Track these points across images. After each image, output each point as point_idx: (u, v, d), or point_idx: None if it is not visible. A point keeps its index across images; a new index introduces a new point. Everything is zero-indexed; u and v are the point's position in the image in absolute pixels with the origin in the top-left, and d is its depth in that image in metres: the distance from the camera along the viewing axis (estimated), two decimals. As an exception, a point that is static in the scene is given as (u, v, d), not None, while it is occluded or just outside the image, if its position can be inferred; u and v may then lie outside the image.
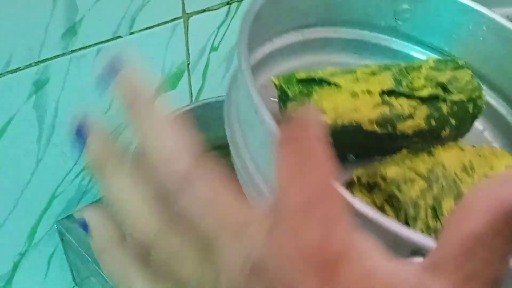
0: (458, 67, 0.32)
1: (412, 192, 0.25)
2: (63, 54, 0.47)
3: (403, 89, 0.30)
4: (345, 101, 0.29)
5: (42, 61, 0.46)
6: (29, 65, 0.45)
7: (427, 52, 0.36)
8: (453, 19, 0.34)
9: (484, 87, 0.33)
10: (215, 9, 0.59)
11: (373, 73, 0.31)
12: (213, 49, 0.62)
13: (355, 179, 0.28)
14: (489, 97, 0.34)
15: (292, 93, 0.29)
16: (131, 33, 0.52)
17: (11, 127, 0.46)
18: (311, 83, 0.29)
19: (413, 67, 0.32)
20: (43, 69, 0.46)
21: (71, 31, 0.47)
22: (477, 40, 0.33)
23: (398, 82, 0.30)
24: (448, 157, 0.27)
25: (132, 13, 0.51)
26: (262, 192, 0.24)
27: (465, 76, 0.31)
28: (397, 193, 0.25)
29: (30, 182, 0.50)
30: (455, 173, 0.27)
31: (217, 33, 0.61)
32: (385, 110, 0.29)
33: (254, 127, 0.25)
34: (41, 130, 0.49)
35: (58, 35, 0.46)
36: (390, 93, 0.30)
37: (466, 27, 0.33)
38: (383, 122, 0.29)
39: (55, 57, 0.46)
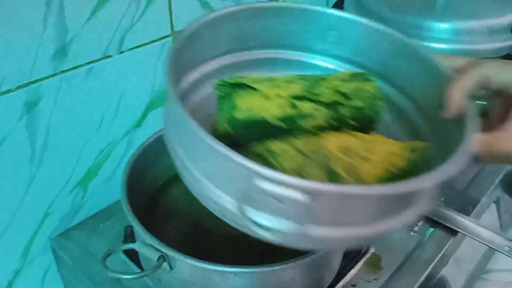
0: (366, 79, 0.38)
1: (286, 163, 0.31)
2: (54, 75, 0.48)
3: (309, 95, 0.37)
4: (258, 102, 0.36)
5: (33, 82, 0.46)
6: (20, 86, 0.46)
7: (355, 68, 0.42)
8: (371, 41, 0.40)
9: (395, 91, 0.40)
10: (203, 26, 0.60)
11: (290, 81, 0.38)
12: (203, 65, 0.63)
13: (249, 149, 0.33)
14: (398, 99, 0.40)
15: (221, 93, 0.37)
16: (121, 52, 0.53)
17: (3, 147, 0.46)
18: (238, 86, 0.37)
19: (324, 78, 0.38)
20: (35, 90, 0.47)
21: (61, 52, 0.47)
22: (390, 56, 0.39)
23: (307, 89, 0.37)
24: (331, 139, 0.34)
25: (122, 32, 0.52)
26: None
27: (369, 87, 0.38)
28: (274, 163, 0.31)
29: (23, 200, 0.51)
30: (330, 151, 0.33)
31: (206, 49, 0.62)
32: (290, 111, 0.36)
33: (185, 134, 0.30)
34: (34, 149, 0.49)
35: (48, 56, 0.47)
36: (298, 97, 0.37)
37: (382, 47, 0.39)
38: (285, 118, 0.36)
39: (46, 77, 0.47)
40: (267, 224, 0.28)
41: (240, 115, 0.36)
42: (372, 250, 0.50)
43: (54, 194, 0.54)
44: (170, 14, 0.56)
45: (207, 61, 0.39)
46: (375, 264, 0.49)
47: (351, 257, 0.49)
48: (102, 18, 0.49)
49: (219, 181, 0.29)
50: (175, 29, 0.57)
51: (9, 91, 0.45)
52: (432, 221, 0.54)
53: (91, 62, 0.50)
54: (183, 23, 0.58)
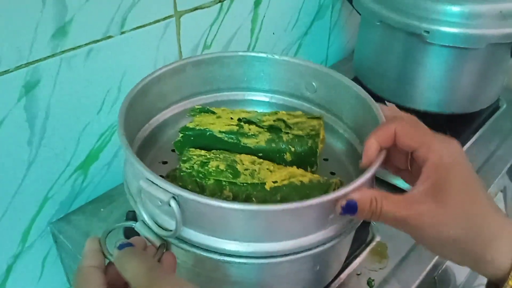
0: (315, 118, 0.45)
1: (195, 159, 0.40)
2: (53, 55, 0.46)
3: (255, 120, 0.44)
4: (210, 119, 0.45)
5: (32, 63, 0.45)
6: (19, 67, 0.44)
7: (326, 113, 0.48)
8: (339, 94, 0.46)
9: (343, 125, 0.47)
10: (207, 7, 0.59)
11: (246, 111, 0.47)
12: (206, 47, 0.62)
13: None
14: (351, 138, 0.46)
15: (190, 114, 0.46)
16: (122, 33, 0.51)
17: (1, 130, 0.45)
18: (203, 111, 0.46)
19: (276, 112, 0.46)
20: (33, 71, 0.45)
21: (61, 31, 0.46)
22: (351, 106, 0.45)
23: (256, 116, 0.45)
24: (248, 156, 0.41)
25: (123, 12, 0.50)
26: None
27: (314, 123, 0.44)
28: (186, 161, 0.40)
29: (22, 184, 0.50)
30: (240, 159, 0.40)
31: (209, 31, 0.61)
32: (234, 128, 0.43)
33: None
34: (32, 132, 0.48)
35: (48, 36, 0.45)
36: (247, 121, 0.44)
37: (347, 100, 0.45)
38: (229, 133, 0.43)
39: (45, 58, 0.46)
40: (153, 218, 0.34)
41: (190, 125, 0.44)
42: (378, 239, 0.49)
43: (54, 178, 0.53)
44: (173, -6, 0.54)
45: (169, 107, 0.47)
46: (381, 253, 0.48)
47: (356, 245, 0.48)
48: (103, -4, 0.47)
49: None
50: (178, 9, 0.55)
51: (7, 71, 0.43)
52: (438, 209, 0.53)
53: (92, 42, 0.49)
54: (186, 3, 0.56)
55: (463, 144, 0.65)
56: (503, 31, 0.57)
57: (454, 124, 0.65)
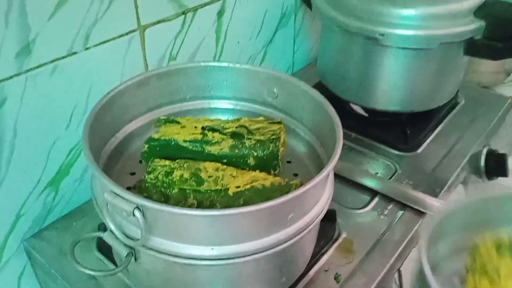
0: (276, 122, 0.47)
1: (160, 169, 0.42)
2: (19, 74, 0.47)
3: (219, 127, 0.46)
4: (175, 129, 0.46)
5: (-3, 82, 0.46)
6: (-16, 87, 0.45)
7: (287, 118, 0.51)
8: (298, 99, 0.49)
9: (303, 128, 0.49)
10: (170, 20, 0.60)
11: (210, 120, 0.48)
12: (172, 58, 0.63)
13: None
14: (312, 140, 0.49)
15: (156, 125, 0.48)
16: (87, 49, 0.52)
17: (-31, 149, 0.46)
18: (167, 122, 0.47)
19: (238, 119, 0.48)
20: (-1, 90, 0.46)
21: (25, 50, 0.47)
22: (309, 109, 0.48)
23: (220, 124, 0.47)
24: (213, 164, 0.43)
25: (87, 28, 0.51)
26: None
27: (275, 127, 0.46)
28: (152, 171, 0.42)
29: (-7, 203, 0.50)
30: (204, 166, 0.42)
31: (174, 43, 0.62)
32: (198, 136, 0.45)
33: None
34: (1, 150, 0.49)
35: (12, 55, 0.46)
36: (210, 129, 0.46)
37: (306, 104, 0.48)
38: (193, 142, 0.44)
39: (10, 77, 0.46)
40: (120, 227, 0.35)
41: (156, 136, 0.45)
42: (344, 235, 0.52)
43: (25, 195, 0.53)
44: (136, 8, 0.55)
45: (135, 118, 0.49)
46: (347, 249, 0.50)
47: (323, 243, 0.50)
48: (65, 14, 0.48)
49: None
50: (142, 22, 0.57)
51: (-29, 92, 0.44)
52: (401, 204, 0.56)
53: (56, 59, 0.50)
54: (149, 16, 0.57)
55: (424, 140, 0.68)
56: (454, 30, 0.60)
57: (415, 121, 0.68)
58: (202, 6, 0.64)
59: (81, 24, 0.50)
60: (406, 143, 0.66)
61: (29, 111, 0.49)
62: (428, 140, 0.67)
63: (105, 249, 0.50)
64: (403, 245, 0.51)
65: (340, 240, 0.51)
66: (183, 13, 0.61)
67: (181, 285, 0.39)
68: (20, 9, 0.45)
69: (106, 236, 0.37)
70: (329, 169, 0.36)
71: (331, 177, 0.42)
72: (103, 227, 0.50)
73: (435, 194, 0.58)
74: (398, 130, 0.67)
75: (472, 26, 0.60)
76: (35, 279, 0.58)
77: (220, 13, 0.67)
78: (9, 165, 0.50)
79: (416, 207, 0.55)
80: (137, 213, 0.32)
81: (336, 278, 0.47)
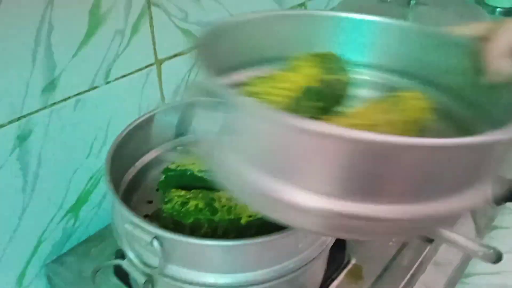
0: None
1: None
2: (44, 108, 0.50)
3: None
4: (190, 159, 0.48)
5: (24, 116, 0.49)
6: (12, 121, 0.48)
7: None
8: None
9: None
10: (186, 53, 0.63)
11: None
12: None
13: None
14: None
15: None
16: (107, 83, 0.55)
17: (-4, 179, 0.49)
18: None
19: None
20: (25, 123, 0.49)
21: (50, 85, 0.50)
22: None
23: None
24: (224, 194, 0.42)
25: (108, 64, 0.54)
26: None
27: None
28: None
29: (17, 229, 0.52)
30: (218, 197, 0.43)
31: (189, 75, 0.65)
32: None
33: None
34: (26, 180, 0.51)
35: (38, 90, 0.49)
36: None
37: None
38: (207, 172, 0.44)
39: (36, 111, 0.50)
40: None
41: (172, 166, 0.48)
42: (353, 261, 0.53)
43: (47, 222, 0.56)
44: (154, 44, 0.59)
45: (153, 148, 0.51)
46: (357, 275, 0.51)
47: (333, 269, 0.51)
48: (88, 51, 0.52)
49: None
50: (159, 57, 0.60)
51: (1, 126, 0.47)
52: (410, 230, 0.57)
53: (79, 93, 0.53)
54: (166, 50, 0.60)
55: None
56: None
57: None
58: (216, 39, 0.67)
59: (102, 60, 0.54)
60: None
61: (53, 142, 0.52)
62: None
63: (122, 275, 0.51)
64: (412, 270, 0.52)
65: (350, 266, 0.52)
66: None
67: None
68: (46, 47, 0.48)
69: (125, 264, 0.39)
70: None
71: None
72: (120, 254, 0.52)
73: (443, 221, 0.59)
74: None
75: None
76: (54, 303, 0.60)
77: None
78: (33, 192, 0.53)
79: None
80: (155, 242, 0.34)
81: (346, 304, 0.48)
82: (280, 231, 0.34)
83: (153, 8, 0.57)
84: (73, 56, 0.51)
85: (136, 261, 0.37)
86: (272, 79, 0.35)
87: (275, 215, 0.27)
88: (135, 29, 0.56)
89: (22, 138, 0.49)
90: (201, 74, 0.27)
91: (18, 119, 0.48)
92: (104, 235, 0.59)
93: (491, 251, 0.51)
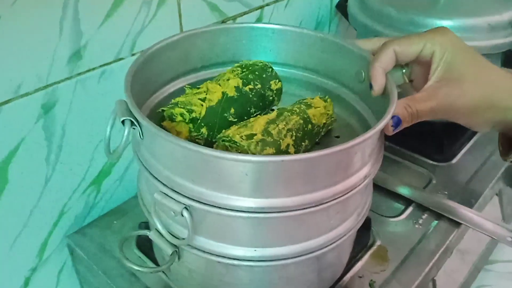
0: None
1: None
2: (70, 78, 0.50)
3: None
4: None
5: (50, 85, 0.48)
6: (38, 89, 0.47)
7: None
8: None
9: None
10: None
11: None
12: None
13: None
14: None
15: None
16: (133, 55, 0.54)
17: (21, 148, 0.48)
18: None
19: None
20: (51, 93, 0.48)
21: (76, 55, 0.49)
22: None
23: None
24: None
25: (133, 36, 0.53)
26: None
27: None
28: None
29: (40, 200, 0.53)
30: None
31: (213, 50, 0.64)
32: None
33: None
34: (50, 149, 0.51)
35: (64, 59, 0.48)
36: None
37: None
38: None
39: (61, 80, 0.49)
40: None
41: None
42: (378, 243, 0.52)
43: (69, 193, 0.55)
44: (180, 17, 0.58)
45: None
46: (381, 256, 0.50)
47: (358, 249, 0.50)
48: (115, 22, 0.51)
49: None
50: (184, 29, 0.59)
51: (27, 94, 0.47)
52: (436, 213, 0.56)
53: (105, 64, 0.52)
54: (192, 25, 0.59)
55: (459, 150, 0.67)
56: (492, 42, 0.60)
57: (450, 131, 0.68)
58: (241, 15, 0.66)
59: (128, 31, 0.53)
60: (442, 153, 0.65)
61: (77, 113, 0.52)
62: (463, 151, 0.67)
63: (144, 247, 0.51)
64: (438, 254, 0.51)
65: (375, 247, 0.51)
66: (223, 21, 0.63)
67: (222, 285, 0.40)
68: (74, 16, 0.47)
69: (152, 235, 0.39)
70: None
71: (370, 186, 0.43)
72: (143, 226, 0.52)
73: (470, 205, 0.57)
74: (433, 140, 0.67)
75: (511, 38, 0.60)
76: (74, 275, 0.60)
77: (258, 21, 0.69)
78: (56, 164, 0.52)
79: (451, 217, 0.55)
80: (185, 213, 0.34)
81: (371, 285, 0.47)
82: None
83: (180, -20, 0.55)
84: (100, 26, 0.50)
85: (163, 231, 0.37)
86: (198, 89, 0.42)
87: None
88: (161, 1, 0.54)
89: (48, 108, 0.49)
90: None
91: (44, 87, 0.48)
92: (126, 208, 0.59)
93: (521, 236, 0.50)
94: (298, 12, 0.76)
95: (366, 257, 0.50)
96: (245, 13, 0.66)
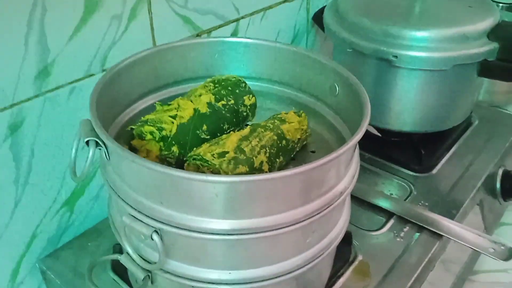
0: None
1: None
2: (37, 96, 0.48)
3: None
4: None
5: (16, 104, 0.46)
6: (3, 109, 0.45)
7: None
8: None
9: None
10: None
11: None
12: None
13: None
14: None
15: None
16: (104, 70, 0.53)
17: (-13, 170, 0.46)
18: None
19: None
20: (18, 112, 0.47)
21: (44, 72, 0.47)
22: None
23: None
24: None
25: (104, 51, 0.52)
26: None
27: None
28: None
29: (10, 223, 0.50)
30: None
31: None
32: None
33: None
34: (18, 170, 0.49)
35: (31, 77, 0.47)
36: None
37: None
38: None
39: (29, 99, 0.47)
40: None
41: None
42: (360, 258, 0.51)
43: (41, 215, 0.53)
44: (152, 30, 0.56)
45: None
46: (363, 272, 0.49)
47: (339, 265, 0.49)
48: (84, 36, 0.49)
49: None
50: (157, 44, 0.58)
51: (-9, 114, 0.45)
52: (417, 226, 0.55)
53: (74, 81, 0.50)
54: (165, 38, 0.58)
55: (439, 160, 0.67)
56: (468, 52, 0.60)
57: (429, 142, 0.67)
58: (216, 28, 0.65)
59: (98, 46, 0.51)
60: (421, 163, 0.65)
61: (47, 132, 0.50)
62: (442, 161, 0.67)
63: (119, 270, 0.49)
64: (421, 267, 0.51)
65: (356, 262, 0.50)
66: (198, 35, 0.62)
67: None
68: (40, 31, 0.46)
69: (123, 259, 0.37)
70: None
71: (348, 200, 0.42)
72: (118, 248, 0.50)
73: (451, 216, 0.57)
74: (412, 150, 0.67)
75: (486, 48, 0.60)
76: (48, 300, 0.58)
77: (233, 34, 0.68)
78: (26, 186, 0.50)
79: (432, 229, 0.54)
80: (155, 236, 0.32)
81: (353, 302, 0.46)
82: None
83: (152, -7, 0.54)
84: (68, 41, 0.48)
85: (134, 256, 0.35)
86: (168, 106, 0.41)
87: None
88: (133, 15, 0.53)
89: (14, 127, 0.47)
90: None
91: (10, 106, 0.46)
92: (101, 229, 0.57)
93: (503, 247, 0.50)
94: (275, 25, 0.75)
95: (348, 273, 0.49)
96: (220, 26, 0.65)
